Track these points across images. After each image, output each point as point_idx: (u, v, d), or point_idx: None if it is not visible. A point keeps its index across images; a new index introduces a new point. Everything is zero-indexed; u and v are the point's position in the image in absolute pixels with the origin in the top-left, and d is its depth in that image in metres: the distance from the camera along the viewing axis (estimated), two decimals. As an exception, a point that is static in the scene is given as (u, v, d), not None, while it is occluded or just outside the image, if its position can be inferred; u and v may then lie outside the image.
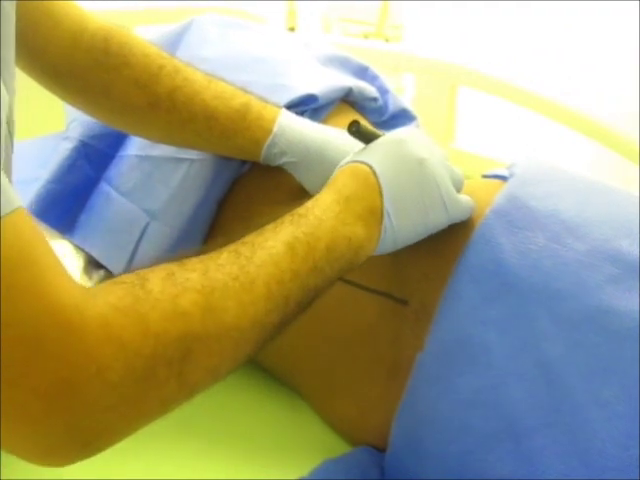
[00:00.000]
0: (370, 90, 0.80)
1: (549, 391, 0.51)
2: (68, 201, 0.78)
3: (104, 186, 0.78)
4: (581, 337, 0.51)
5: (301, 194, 0.70)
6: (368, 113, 0.81)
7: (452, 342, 0.55)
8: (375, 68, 0.87)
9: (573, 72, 1.73)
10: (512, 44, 1.81)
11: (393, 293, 0.61)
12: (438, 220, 0.56)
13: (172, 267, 0.42)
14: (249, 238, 0.47)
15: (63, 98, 0.69)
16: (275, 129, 0.65)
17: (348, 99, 0.78)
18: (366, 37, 3.06)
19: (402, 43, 2.29)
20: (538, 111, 1.07)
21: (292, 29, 2.64)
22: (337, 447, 0.66)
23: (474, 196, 0.62)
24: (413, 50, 1.28)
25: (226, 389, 0.73)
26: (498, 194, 0.60)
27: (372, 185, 0.53)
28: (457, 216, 0.57)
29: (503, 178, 0.64)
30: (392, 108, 0.84)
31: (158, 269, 0.41)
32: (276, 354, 0.70)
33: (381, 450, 0.61)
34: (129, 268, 0.72)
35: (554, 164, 0.67)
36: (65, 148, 0.79)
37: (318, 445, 0.67)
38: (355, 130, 0.56)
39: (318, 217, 0.50)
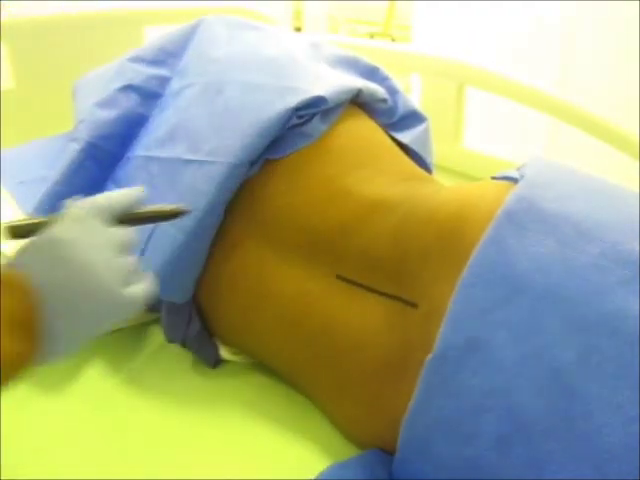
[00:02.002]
0: (379, 91, 0.79)
1: (560, 395, 0.51)
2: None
3: (111, 188, 0.78)
4: (593, 340, 0.51)
5: (309, 198, 0.70)
6: (378, 114, 0.81)
7: (462, 345, 0.54)
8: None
9: (577, 72, 1.72)
10: (518, 44, 1.81)
11: (402, 296, 0.61)
12: (107, 321, 0.51)
13: None
14: None
15: None
16: None
17: (358, 101, 0.78)
18: (372, 37, 3.06)
19: (409, 43, 2.29)
20: (544, 110, 1.07)
21: (298, 29, 2.64)
22: (345, 451, 0.66)
23: (484, 198, 0.61)
24: (420, 50, 1.27)
25: (233, 391, 0.73)
26: (508, 196, 0.59)
27: (27, 296, 0.47)
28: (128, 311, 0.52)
29: (513, 180, 0.63)
30: (402, 109, 0.84)
31: None
32: (284, 356, 0.70)
33: (390, 453, 0.61)
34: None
35: (564, 165, 0.67)
36: (73, 149, 0.79)
37: (326, 449, 0.66)
38: (10, 235, 0.50)
39: None
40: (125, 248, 0.52)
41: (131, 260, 0.53)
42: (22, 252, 0.50)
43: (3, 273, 0.48)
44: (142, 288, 0.53)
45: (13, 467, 0.62)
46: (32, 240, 0.50)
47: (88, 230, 0.51)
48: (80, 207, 0.52)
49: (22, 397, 0.71)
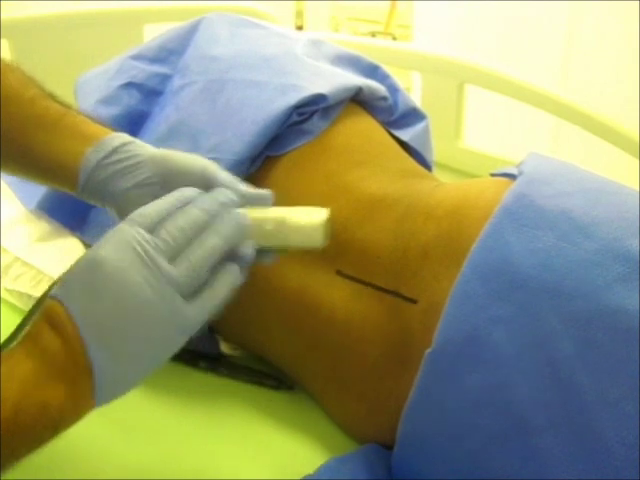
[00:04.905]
0: (380, 89, 0.80)
1: (557, 390, 0.51)
2: (77, 198, 0.79)
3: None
4: (590, 336, 0.51)
5: (309, 195, 0.70)
6: (378, 112, 0.81)
7: (460, 340, 0.55)
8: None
9: (578, 70, 1.73)
10: (518, 42, 1.81)
11: (402, 291, 0.61)
12: (168, 347, 0.48)
13: None
14: None
15: None
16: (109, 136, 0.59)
17: (358, 98, 0.78)
18: (373, 36, 3.07)
19: (410, 42, 2.29)
20: (544, 109, 1.07)
21: (300, 28, 2.65)
22: (344, 445, 0.66)
23: (483, 195, 0.62)
24: (420, 48, 1.28)
25: (233, 386, 0.73)
26: (507, 193, 0.59)
27: (69, 330, 0.44)
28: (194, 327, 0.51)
29: (512, 176, 0.64)
30: (402, 107, 0.84)
31: None
32: (284, 351, 0.71)
33: (389, 447, 0.61)
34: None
35: (563, 162, 0.67)
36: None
37: (325, 443, 0.67)
38: None
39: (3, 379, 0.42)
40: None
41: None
42: (64, 281, 0.45)
43: (48, 306, 0.44)
44: (210, 297, 0.49)
45: (13, 467, 0.63)
46: (72, 267, 0.45)
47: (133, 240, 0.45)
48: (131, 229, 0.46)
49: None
